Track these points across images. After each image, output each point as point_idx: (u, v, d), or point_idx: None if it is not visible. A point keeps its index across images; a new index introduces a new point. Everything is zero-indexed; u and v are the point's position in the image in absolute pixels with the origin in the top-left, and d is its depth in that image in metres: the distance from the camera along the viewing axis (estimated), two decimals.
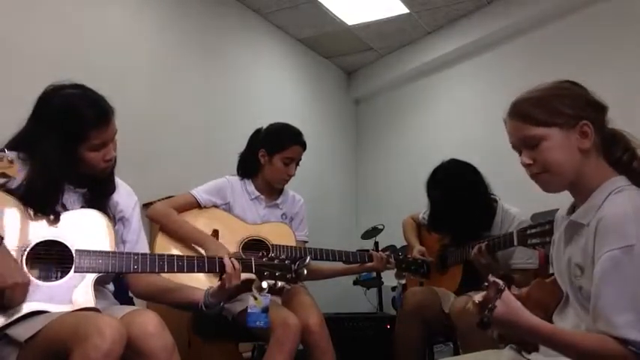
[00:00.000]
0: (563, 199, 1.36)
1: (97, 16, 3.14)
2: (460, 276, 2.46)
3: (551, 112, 1.25)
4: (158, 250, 2.10)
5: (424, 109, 4.80)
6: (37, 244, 1.52)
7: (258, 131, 2.46)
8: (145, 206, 2.37)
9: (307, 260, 1.86)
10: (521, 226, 2.15)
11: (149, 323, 1.43)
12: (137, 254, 1.66)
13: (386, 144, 5.09)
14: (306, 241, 2.50)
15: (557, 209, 1.43)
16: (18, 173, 1.47)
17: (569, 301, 1.32)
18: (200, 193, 2.29)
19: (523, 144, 1.29)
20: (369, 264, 2.43)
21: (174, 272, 1.74)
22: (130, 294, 1.90)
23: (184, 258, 1.75)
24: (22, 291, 1.43)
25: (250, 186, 2.40)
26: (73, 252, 1.55)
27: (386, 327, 3.15)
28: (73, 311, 1.45)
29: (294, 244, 2.31)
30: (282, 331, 1.89)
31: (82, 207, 1.65)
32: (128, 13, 3.36)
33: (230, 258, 1.81)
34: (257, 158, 2.38)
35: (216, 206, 2.32)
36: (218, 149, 3.56)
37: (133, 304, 1.85)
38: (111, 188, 1.74)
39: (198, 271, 1.79)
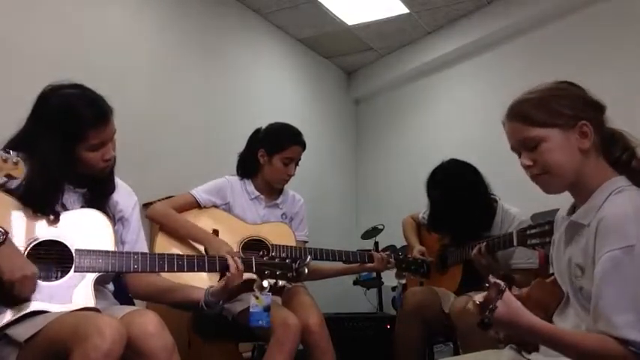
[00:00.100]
0: (563, 199, 1.36)
1: (97, 16, 3.14)
2: (460, 276, 2.46)
3: (551, 113, 1.25)
4: (158, 250, 2.10)
5: (424, 109, 4.80)
6: (37, 244, 1.52)
7: (257, 131, 2.46)
8: (145, 206, 2.37)
9: (308, 259, 1.86)
10: (521, 226, 2.15)
11: (149, 323, 1.43)
12: (137, 254, 1.66)
13: (386, 144, 5.09)
14: (306, 241, 2.50)
15: (558, 209, 1.43)
16: (24, 175, 1.46)
17: (570, 302, 1.32)
18: (200, 193, 2.30)
19: (523, 145, 1.29)
20: (370, 265, 2.42)
21: (174, 272, 1.74)
22: (130, 294, 1.90)
23: (184, 257, 1.76)
24: (30, 284, 1.43)
25: (250, 186, 2.40)
26: (73, 252, 1.55)
27: (386, 327, 3.15)
28: (73, 311, 1.45)
29: (294, 244, 2.31)
30: (282, 331, 1.89)
31: (81, 207, 1.65)
32: (128, 13, 3.36)
33: (233, 257, 1.81)
34: (256, 158, 2.38)
35: (215, 206, 2.32)
36: (218, 149, 3.56)
37: (133, 304, 1.85)
38: (110, 188, 1.74)
39: (198, 270, 1.79)
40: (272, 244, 2.25)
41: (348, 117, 5.36)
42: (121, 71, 3.19)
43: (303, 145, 2.40)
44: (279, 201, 2.45)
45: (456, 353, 2.47)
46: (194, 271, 1.78)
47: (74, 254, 1.55)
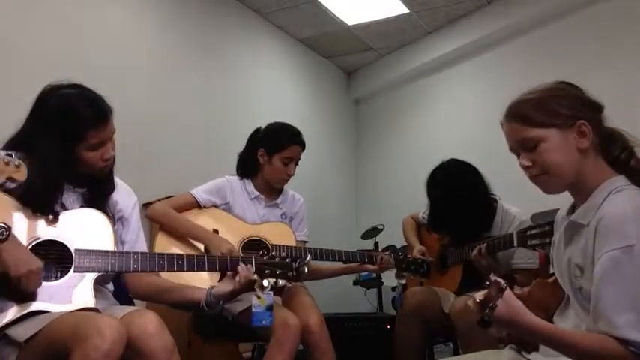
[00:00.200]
0: (563, 199, 1.36)
1: (97, 16, 3.13)
2: (460, 276, 2.46)
3: (549, 113, 1.25)
4: (158, 250, 2.10)
5: (424, 109, 4.80)
6: (37, 244, 1.52)
7: (257, 131, 2.46)
8: (145, 206, 2.37)
9: (308, 258, 1.86)
10: (521, 227, 2.15)
11: (149, 323, 1.43)
12: (137, 253, 1.66)
13: (386, 144, 5.09)
14: (306, 241, 2.50)
15: (557, 209, 1.43)
16: (26, 177, 1.46)
17: (570, 302, 1.32)
18: (200, 193, 2.30)
19: (521, 146, 1.29)
20: (372, 267, 2.41)
21: (174, 271, 1.74)
22: (130, 294, 1.90)
23: (184, 257, 1.75)
24: (36, 277, 1.43)
25: (250, 186, 2.40)
26: (73, 252, 1.55)
27: (386, 327, 3.16)
28: (72, 311, 1.45)
29: (293, 243, 2.31)
30: (282, 331, 1.89)
31: (81, 207, 1.65)
32: (128, 13, 3.36)
33: (242, 263, 1.80)
34: (256, 158, 2.38)
35: (215, 206, 2.32)
36: (218, 149, 3.56)
37: (133, 304, 1.85)
38: (110, 188, 1.74)
39: (198, 270, 1.79)
40: (272, 244, 2.25)
41: (348, 117, 5.36)
42: (121, 71, 3.19)
43: (302, 145, 2.40)
44: (278, 201, 2.45)
45: (456, 353, 2.47)
46: (194, 270, 1.78)
47: (74, 254, 1.55)
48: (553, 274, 1.41)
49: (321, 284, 2.56)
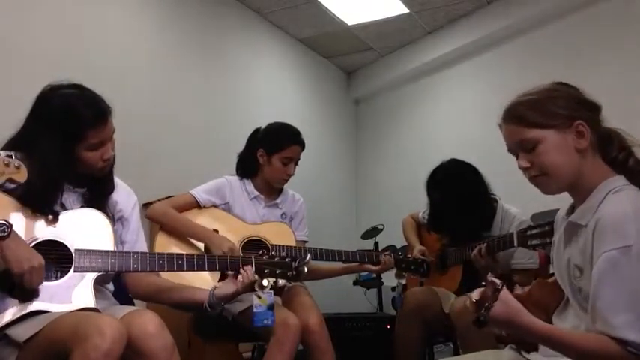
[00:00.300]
0: (563, 200, 1.36)
1: (97, 16, 3.13)
2: (460, 276, 2.46)
3: (546, 114, 1.25)
4: (158, 250, 2.10)
5: (424, 109, 4.80)
6: (37, 244, 1.52)
7: (256, 131, 2.46)
8: (145, 206, 2.37)
9: (307, 258, 1.86)
10: (521, 227, 2.15)
11: (149, 323, 1.43)
12: (137, 253, 1.66)
13: (386, 144, 5.09)
14: (306, 241, 2.50)
15: (558, 209, 1.43)
16: (26, 178, 1.46)
17: (569, 302, 1.32)
18: (199, 193, 2.30)
19: (519, 147, 1.29)
20: (372, 266, 2.41)
21: (174, 271, 1.74)
22: (130, 294, 1.90)
23: (184, 256, 1.75)
24: (38, 274, 1.43)
25: (249, 186, 2.40)
26: (73, 251, 1.55)
27: (386, 327, 3.16)
28: (73, 311, 1.45)
29: (293, 243, 2.31)
30: (282, 331, 1.89)
31: (81, 207, 1.65)
32: (128, 13, 3.35)
33: (244, 267, 1.80)
34: (256, 158, 2.38)
35: (215, 206, 2.32)
36: (218, 149, 3.56)
37: (133, 304, 1.85)
38: (110, 188, 1.74)
39: (198, 270, 1.79)
40: (272, 244, 2.25)
41: (348, 117, 5.36)
42: (121, 71, 3.19)
43: (302, 145, 2.40)
44: (278, 201, 2.45)
45: (456, 353, 2.47)
46: (194, 270, 1.78)
47: (74, 254, 1.55)
48: (553, 274, 1.41)
49: (321, 284, 2.56)
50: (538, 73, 3.50)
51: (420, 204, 2.71)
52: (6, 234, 1.37)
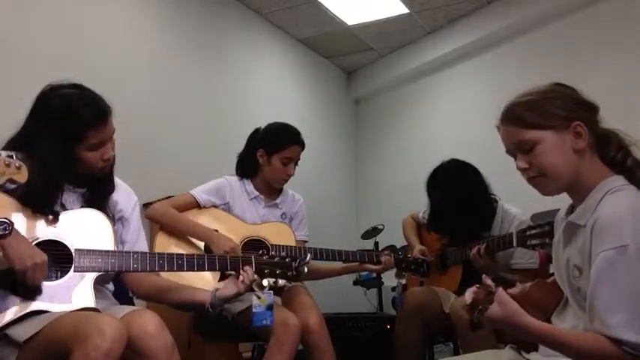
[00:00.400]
0: (562, 200, 1.36)
1: (97, 16, 3.13)
2: (460, 276, 2.46)
3: (544, 114, 1.25)
4: (158, 250, 2.10)
5: (424, 109, 4.80)
6: (37, 244, 1.51)
7: (256, 131, 2.46)
8: (145, 206, 2.37)
9: (308, 258, 1.86)
10: (521, 227, 2.15)
11: (149, 323, 1.43)
12: (137, 253, 1.66)
13: (386, 144, 5.09)
14: (306, 241, 2.50)
15: (558, 209, 1.43)
16: (26, 179, 1.46)
17: (569, 302, 1.32)
18: (199, 193, 2.30)
19: (518, 148, 1.29)
20: (372, 266, 2.41)
21: (174, 271, 1.74)
22: (130, 294, 1.90)
23: (184, 257, 1.75)
24: (42, 270, 1.44)
25: (249, 186, 2.40)
26: (73, 251, 1.55)
27: (386, 327, 3.16)
28: (73, 311, 1.45)
29: (293, 243, 2.31)
30: (282, 331, 1.89)
31: (81, 207, 1.65)
32: (128, 13, 3.36)
33: (244, 267, 1.80)
34: (255, 158, 2.38)
35: (215, 206, 2.32)
36: (218, 149, 3.56)
37: (133, 304, 1.85)
38: (110, 188, 1.74)
39: (198, 270, 1.79)
40: (272, 244, 2.25)
41: (348, 117, 5.36)
42: (121, 71, 3.19)
43: (302, 145, 2.40)
44: (278, 201, 2.45)
45: (456, 353, 2.47)
46: (194, 270, 1.78)
47: (74, 254, 1.55)
48: (552, 274, 1.41)
49: (321, 284, 2.56)
50: (538, 73, 3.50)
51: (420, 204, 2.71)
52: (7, 232, 1.37)
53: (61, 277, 1.53)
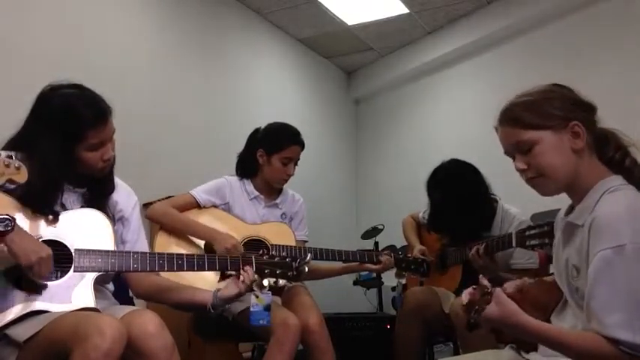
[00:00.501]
0: (562, 200, 1.36)
1: (97, 16, 3.13)
2: (460, 276, 2.46)
3: (542, 115, 1.25)
4: (158, 250, 2.10)
5: (424, 109, 4.80)
6: None
7: (256, 131, 2.46)
8: (145, 206, 2.37)
9: (308, 258, 1.86)
10: (521, 227, 2.15)
11: (149, 323, 1.43)
12: (137, 253, 1.66)
13: (386, 144, 5.09)
14: (306, 241, 2.50)
15: (558, 209, 1.43)
16: (26, 179, 1.46)
17: (568, 302, 1.32)
18: (199, 193, 2.30)
19: (516, 149, 1.29)
20: (372, 266, 2.41)
21: (174, 271, 1.74)
22: (131, 294, 1.90)
23: (184, 257, 1.75)
24: (47, 264, 1.44)
25: (249, 186, 2.40)
26: (73, 251, 1.55)
27: (386, 327, 3.16)
28: (72, 311, 1.45)
29: (293, 243, 2.31)
30: (282, 331, 1.89)
31: (81, 207, 1.65)
32: (128, 13, 3.35)
33: (244, 267, 1.80)
34: (255, 158, 2.38)
35: (215, 206, 2.32)
36: (218, 149, 3.56)
37: (133, 304, 1.85)
38: (110, 188, 1.74)
39: (198, 270, 1.79)
40: (272, 244, 2.25)
41: (348, 117, 5.36)
42: (121, 71, 3.19)
43: (302, 145, 2.40)
44: (278, 201, 2.45)
45: (456, 353, 2.47)
46: (194, 270, 1.78)
47: (74, 254, 1.55)
48: (552, 274, 1.41)
49: (321, 284, 2.56)
50: (538, 73, 3.50)
51: (420, 204, 2.71)
52: (9, 228, 1.37)
53: (61, 277, 1.52)
